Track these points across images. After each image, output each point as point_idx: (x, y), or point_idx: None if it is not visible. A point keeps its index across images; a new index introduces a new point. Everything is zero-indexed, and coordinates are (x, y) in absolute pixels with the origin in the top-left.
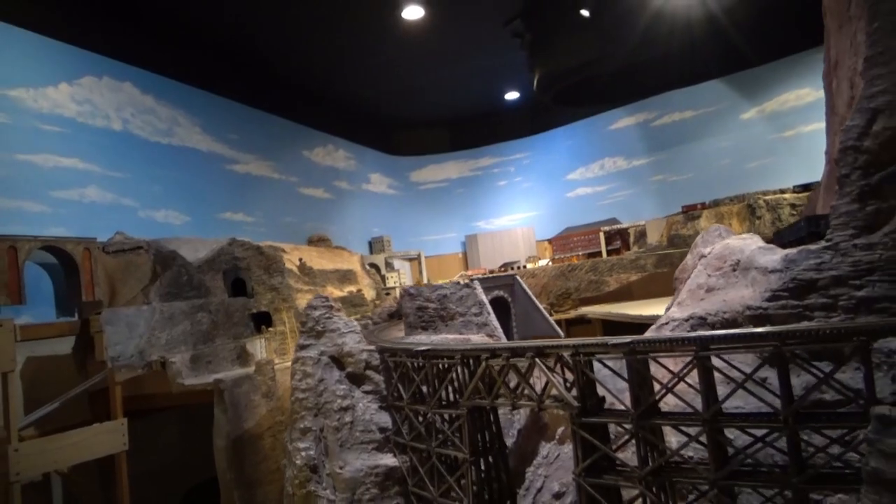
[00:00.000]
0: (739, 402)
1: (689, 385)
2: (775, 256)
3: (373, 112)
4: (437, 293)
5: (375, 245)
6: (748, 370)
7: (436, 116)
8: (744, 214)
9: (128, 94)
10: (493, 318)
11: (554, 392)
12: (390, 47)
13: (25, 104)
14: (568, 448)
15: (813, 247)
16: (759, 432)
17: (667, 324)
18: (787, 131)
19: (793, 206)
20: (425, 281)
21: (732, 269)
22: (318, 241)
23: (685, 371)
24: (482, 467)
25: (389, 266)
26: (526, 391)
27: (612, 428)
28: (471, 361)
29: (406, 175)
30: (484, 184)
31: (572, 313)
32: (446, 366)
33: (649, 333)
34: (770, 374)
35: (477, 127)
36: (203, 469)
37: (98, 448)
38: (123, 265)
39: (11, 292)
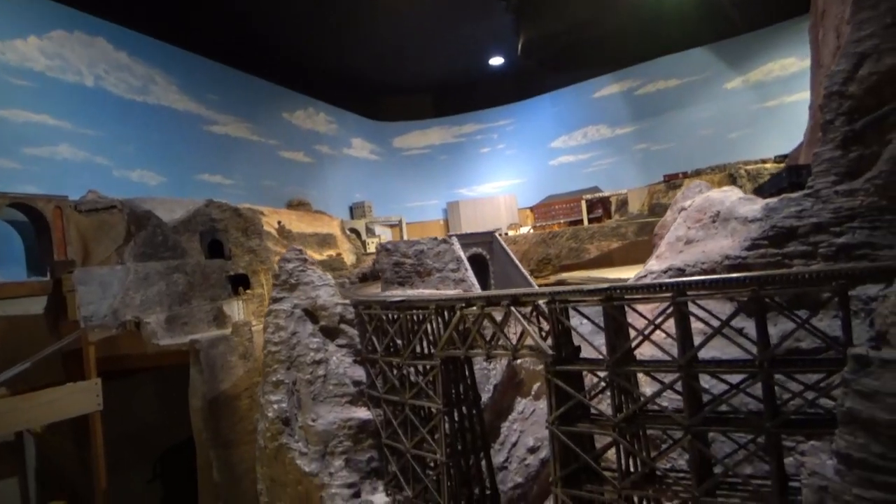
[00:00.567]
0: (716, 353)
1: (666, 333)
2: (756, 206)
3: (356, 76)
4: (414, 248)
5: (356, 210)
6: (727, 319)
7: (420, 82)
8: (725, 184)
9: (100, 49)
10: (470, 274)
11: (529, 341)
12: (374, 10)
13: None
14: (543, 404)
15: (794, 195)
16: (734, 380)
17: (645, 276)
18: (770, 101)
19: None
20: None
21: (712, 220)
22: (297, 205)
23: (662, 318)
24: (456, 418)
25: (370, 231)
26: (501, 341)
27: (589, 380)
28: (445, 312)
29: (389, 140)
30: (467, 150)
31: (552, 279)
32: (421, 317)
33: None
34: (747, 325)
35: (461, 93)
36: (179, 429)
37: (72, 408)
38: (97, 224)
39: None
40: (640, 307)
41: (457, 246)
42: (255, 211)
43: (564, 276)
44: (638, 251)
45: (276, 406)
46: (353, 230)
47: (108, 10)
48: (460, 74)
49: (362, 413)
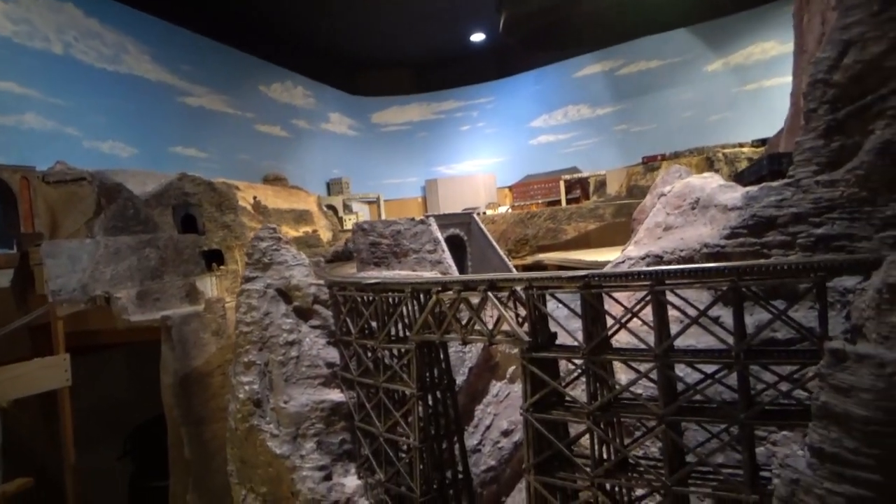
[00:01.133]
0: (692, 342)
1: (643, 322)
2: (736, 194)
3: (334, 49)
4: (390, 229)
5: (334, 187)
6: (704, 309)
7: (400, 57)
8: (702, 167)
9: (70, 15)
10: (447, 255)
11: (505, 327)
12: None
13: None
14: (518, 387)
15: (775, 183)
16: (710, 369)
17: (623, 262)
18: (750, 85)
19: (750, 159)
20: None
21: (692, 207)
22: (274, 180)
23: (639, 306)
24: (430, 402)
25: (348, 208)
26: (477, 326)
27: (564, 367)
28: (421, 295)
29: (367, 116)
30: (447, 128)
31: (529, 259)
32: (396, 300)
33: (607, 269)
34: (724, 314)
35: (442, 69)
36: (150, 406)
37: (39, 383)
38: (66, 196)
39: None
40: (617, 295)
41: (434, 227)
42: (230, 185)
43: (541, 256)
44: (615, 233)
45: (247, 387)
46: (331, 207)
47: None
48: (441, 50)
49: (335, 395)
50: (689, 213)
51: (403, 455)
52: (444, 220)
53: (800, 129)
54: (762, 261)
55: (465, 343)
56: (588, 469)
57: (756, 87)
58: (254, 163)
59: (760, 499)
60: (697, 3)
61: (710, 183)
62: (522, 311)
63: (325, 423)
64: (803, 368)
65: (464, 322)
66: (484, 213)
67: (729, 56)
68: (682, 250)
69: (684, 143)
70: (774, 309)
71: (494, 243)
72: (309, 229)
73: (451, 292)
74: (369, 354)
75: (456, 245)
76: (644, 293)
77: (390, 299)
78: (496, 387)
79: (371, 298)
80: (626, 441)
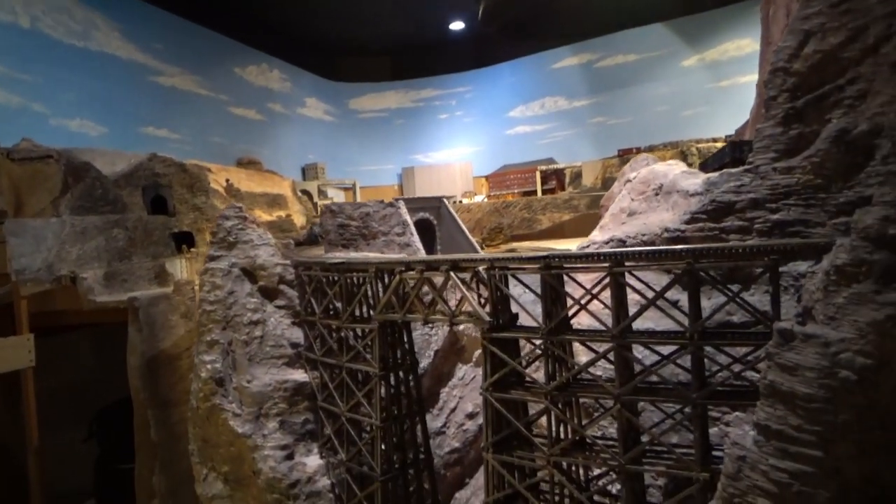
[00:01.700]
0: (651, 324)
1: (604, 304)
2: (697, 180)
3: (311, 33)
4: (359, 211)
5: (309, 172)
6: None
7: (378, 43)
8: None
9: None
10: (416, 238)
11: (467, 307)
12: None
13: None
14: None
15: (734, 170)
16: (666, 351)
17: (588, 246)
18: (724, 81)
19: None
20: None
21: (655, 193)
22: (248, 164)
23: (599, 288)
24: (392, 383)
25: (323, 194)
26: (439, 306)
27: (527, 349)
28: (385, 275)
29: (344, 102)
30: (424, 116)
31: (503, 248)
32: (360, 280)
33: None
34: (683, 297)
35: (420, 57)
36: (117, 388)
37: (2, 363)
38: (31, 174)
39: None
40: (580, 277)
41: (403, 210)
42: (202, 167)
43: (515, 245)
44: (589, 224)
45: (209, 366)
46: (305, 192)
47: None
48: (420, 38)
49: (299, 375)
50: (652, 198)
51: (365, 435)
52: (414, 204)
53: (761, 116)
54: (718, 244)
55: (426, 323)
56: (545, 448)
57: (730, 83)
58: (228, 146)
59: (711, 477)
60: None
61: (674, 169)
62: (486, 293)
63: (288, 403)
64: (756, 350)
65: (428, 302)
66: (460, 201)
67: (704, 52)
68: (644, 235)
69: (659, 137)
70: (729, 292)
71: (464, 228)
72: (282, 213)
73: (414, 272)
74: (333, 334)
75: (426, 229)
76: (603, 275)
77: (354, 279)
78: (462, 370)
79: (335, 279)
80: (585, 421)
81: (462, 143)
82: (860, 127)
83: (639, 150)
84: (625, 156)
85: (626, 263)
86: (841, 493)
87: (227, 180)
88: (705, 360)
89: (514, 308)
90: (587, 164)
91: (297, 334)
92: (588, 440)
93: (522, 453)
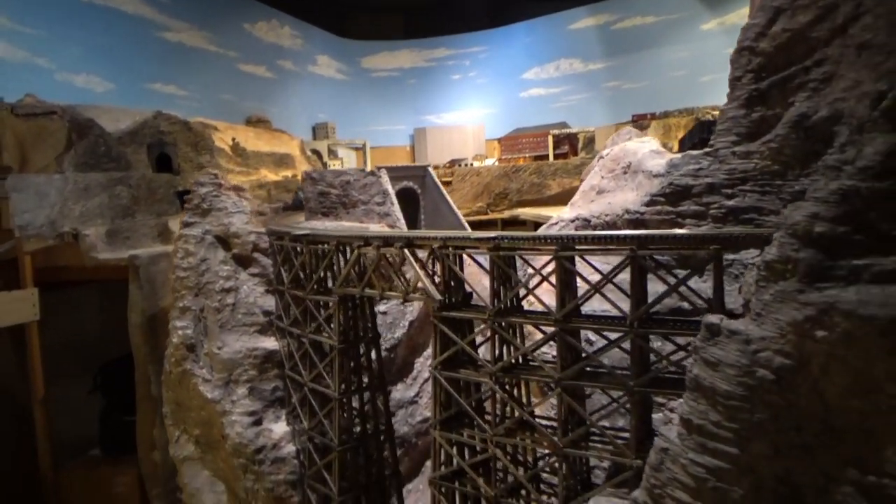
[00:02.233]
0: (608, 307)
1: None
2: (662, 160)
3: None
4: (340, 179)
5: (319, 131)
6: (619, 277)
7: (391, 0)
8: (691, 128)
9: None
10: (396, 208)
11: (420, 284)
12: None
13: None
14: None
15: (695, 152)
16: (615, 336)
17: (556, 224)
18: None
19: None
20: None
21: (624, 171)
22: (257, 122)
23: (547, 270)
24: (352, 356)
25: (333, 154)
26: (395, 282)
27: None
28: (348, 249)
29: (356, 60)
30: (438, 76)
31: (506, 214)
32: (324, 252)
33: (540, 231)
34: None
35: (434, 15)
36: (121, 343)
37: (7, 316)
38: (35, 130)
39: None
40: (538, 260)
41: (385, 179)
42: (207, 126)
43: (519, 211)
44: None
45: (181, 332)
46: (315, 151)
47: None
48: None
49: (269, 343)
50: (621, 177)
51: (326, 405)
52: (398, 173)
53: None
54: (662, 231)
55: (381, 298)
56: (489, 427)
57: None
58: (236, 103)
59: (644, 464)
60: None
61: (643, 148)
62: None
63: (258, 371)
64: None
65: (387, 277)
66: (471, 164)
67: (724, 16)
68: (607, 215)
69: (675, 103)
70: (674, 278)
71: (448, 197)
72: (289, 174)
73: (371, 248)
74: (299, 305)
75: (410, 198)
76: (549, 258)
77: (318, 251)
78: None
79: (301, 249)
80: (536, 401)
81: (475, 104)
82: (820, 112)
83: (653, 116)
84: (639, 121)
85: (579, 247)
86: (754, 491)
87: (234, 139)
88: (659, 345)
89: (480, 288)
90: (600, 129)
91: (270, 302)
92: (531, 421)
93: (468, 432)
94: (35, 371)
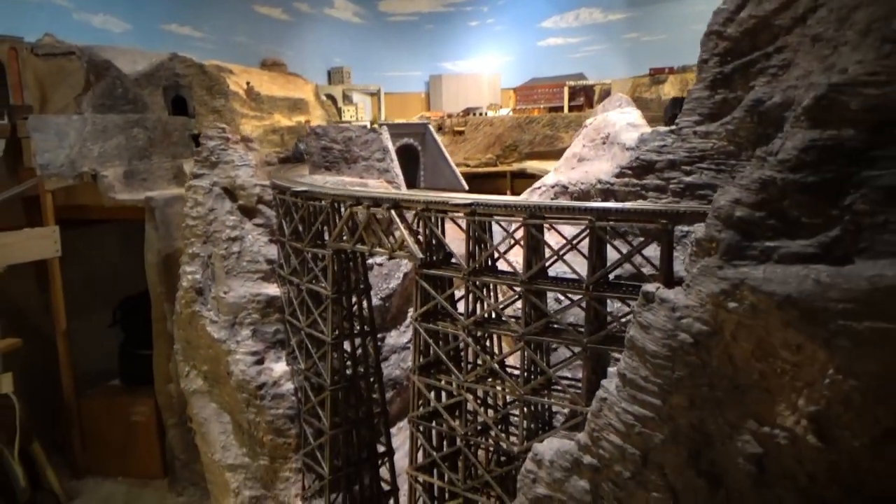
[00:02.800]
0: (577, 266)
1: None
2: (635, 134)
3: None
4: (342, 135)
5: (335, 76)
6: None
7: None
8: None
9: None
10: (395, 165)
11: (406, 243)
12: None
13: None
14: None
15: (662, 129)
16: (576, 298)
17: (539, 188)
18: None
19: None
20: (383, 118)
21: (603, 141)
22: (272, 66)
23: (517, 235)
24: (344, 304)
25: (347, 99)
26: (382, 240)
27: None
28: (341, 206)
29: (374, 3)
30: (455, 22)
31: (515, 166)
32: (319, 208)
33: (523, 195)
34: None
35: None
36: (138, 280)
37: (30, 252)
38: (55, 70)
39: None
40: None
41: (385, 136)
42: (223, 69)
43: (526, 164)
44: None
45: (190, 276)
46: (330, 96)
47: None
48: None
49: (272, 290)
50: (600, 147)
51: (321, 348)
52: (398, 130)
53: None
54: (620, 204)
55: (370, 254)
56: (461, 374)
57: None
58: (251, 46)
59: None
60: None
61: (622, 120)
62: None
63: (260, 314)
64: None
65: (376, 234)
66: (484, 113)
67: None
68: (583, 183)
69: (693, 58)
70: (628, 247)
71: (447, 155)
72: (303, 119)
73: (362, 207)
74: (298, 256)
75: (410, 155)
76: (518, 224)
77: (315, 207)
78: None
79: (300, 204)
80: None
81: (492, 52)
82: (774, 98)
83: (671, 70)
84: (656, 75)
85: (544, 216)
86: (673, 437)
87: (248, 83)
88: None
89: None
90: (617, 82)
91: (273, 251)
92: (498, 371)
93: (444, 377)
94: (57, 305)
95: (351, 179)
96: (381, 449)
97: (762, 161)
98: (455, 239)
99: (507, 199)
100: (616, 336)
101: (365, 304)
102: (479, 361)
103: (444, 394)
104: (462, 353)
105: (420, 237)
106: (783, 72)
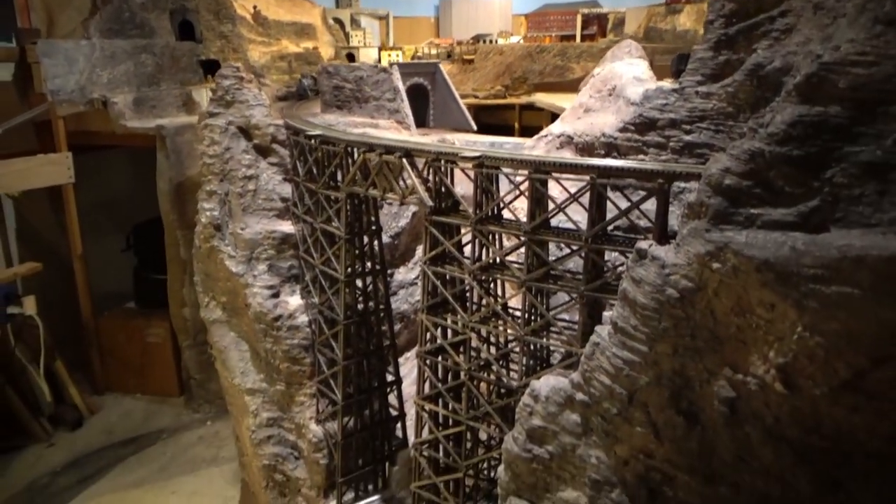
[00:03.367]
0: (579, 217)
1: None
2: (640, 89)
3: None
4: (354, 74)
5: None
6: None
7: None
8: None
9: None
10: (405, 105)
11: (416, 190)
12: None
13: None
14: None
15: (667, 86)
16: (575, 248)
17: (545, 136)
18: None
19: None
20: (391, 43)
21: (609, 93)
22: None
23: (519, 188)
24: (357, 245)
25: (356, 23)
26: (394, 186)
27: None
28: (355, 151)
29: None
30: None
31: (524, 99)
32: (333, 153)
33: (530, 142)
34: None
35: None
36: (152, 206)
37: (44, 178)
38: None
39: None
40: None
41: (396, 76)
42: None
43: (535, 97)
44: None
45: (208, 213)
46: (337, 20)
47: None
48: None
49: (286, 227)
50: (606, 98)
51: (334, 285)
52: (409, 69)
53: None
54: (618, 162)
55: (382, 199)
56: (466, 314)
57: None
58: None
59: None
60: None
61: (629, 73)
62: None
63: (276, 250)
64: None
65: (388, 180)
66: (494, 41)
67: None
68: (587, 135)
69: None
70: (626, 202)
71: (456, 95)
72: (310, 45)
73: (374, 154)
74: (312, 196)
75: (420, 94)
76: (523, 179)
77: (329, 151)
78: None
79: (315, 146)
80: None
81: None
82: (774, 63)
83: (688, 0)
84: (672, 4)
85: (547, 171)
86: (656, 380)
87: (255, 7)
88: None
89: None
90: (631, 11)
91: (287, 190)
92: (501, 312)
93: (452, 317)
94: (72, 229)
95: (362, 119)
96: (389, 378)
97: (753, 133)
98: (463, 180)
99: (514, 153)
100: (611, 285)
101: (376, 244)
102: (483, 303)
103: (449, 332)
104: (467, 295)
105: (430, 185)
106: (785, 36)
